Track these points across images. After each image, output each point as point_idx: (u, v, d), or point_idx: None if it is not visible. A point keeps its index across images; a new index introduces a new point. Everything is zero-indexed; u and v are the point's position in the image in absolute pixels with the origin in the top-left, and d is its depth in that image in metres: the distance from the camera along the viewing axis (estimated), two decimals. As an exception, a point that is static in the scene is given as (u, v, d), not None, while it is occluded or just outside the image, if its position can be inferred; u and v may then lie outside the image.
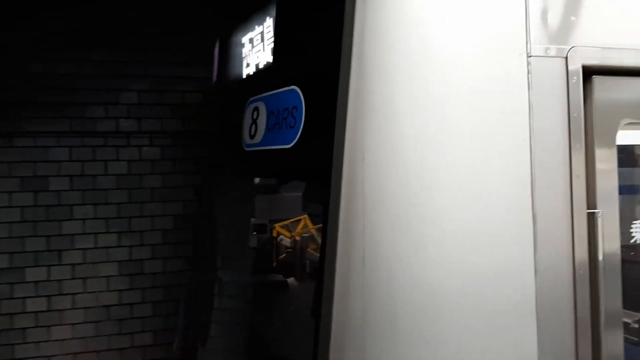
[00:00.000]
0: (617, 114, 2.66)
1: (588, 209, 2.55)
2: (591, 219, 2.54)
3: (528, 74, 2.48)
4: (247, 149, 3.38)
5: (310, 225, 5.64)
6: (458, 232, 2.43)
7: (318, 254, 4.71)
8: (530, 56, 2.48)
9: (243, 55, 4.01)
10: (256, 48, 3.75)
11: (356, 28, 2.43)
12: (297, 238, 4.90)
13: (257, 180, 4.62)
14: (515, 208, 2.45)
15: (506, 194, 2.46)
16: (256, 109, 3.29)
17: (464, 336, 2.40)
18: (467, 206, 2.44)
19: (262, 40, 3.61)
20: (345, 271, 2.40)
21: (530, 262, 2.45)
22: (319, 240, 4.83)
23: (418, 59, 2.44)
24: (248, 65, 3.92)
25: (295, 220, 5.79)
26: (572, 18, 2.58)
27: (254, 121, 3.29)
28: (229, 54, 4.25)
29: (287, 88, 2.94)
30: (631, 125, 2.69)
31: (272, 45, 3.33)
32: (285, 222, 5.71)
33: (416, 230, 2.41)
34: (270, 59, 3.43)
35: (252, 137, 3.30)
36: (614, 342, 2.56)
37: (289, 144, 2.84)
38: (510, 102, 2.47)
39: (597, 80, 2.61)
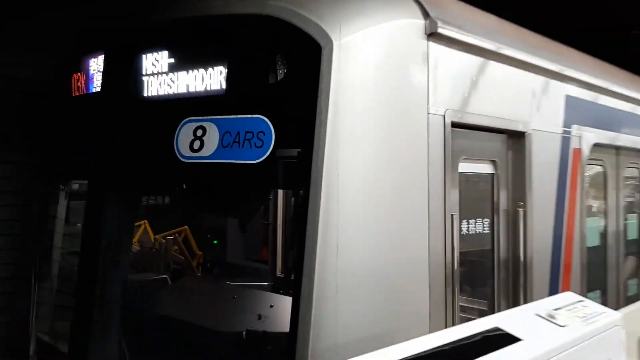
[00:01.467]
0: (459, 152, 4.19)
1: (451, 212, 4.01)
2: (452, 219, 4.00)
3: (428, 125, 3.82)
4: (186, 160, 3.94)
5: (149, 230, 6.07)
6: (392, 230, 3.61)
7: (181, 256, 5.31)
8: (429, 113, 3.83)
9: (147, 74, 4.46)
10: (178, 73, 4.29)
11: (333, 78, 3.43)
12: (162, 240, 5.35)
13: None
14: (420, 215, 3.75)
15: (416, 204, 3.74)
16: (200, 127, 3.91)
17: (396, 297, 3.60)
18: (396, 212, 3.64)
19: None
20: (324, 256, 3.35)
21: (426, 250, 3.77)
22: (179, 243, 5.40)
23: (372, 110, 3.56)
24: (161, 84, 4.40)
25: (136, 226, 6.14)
26: (449, 90, 4.03)
27: (198, 137, 3.90)
28: (123, 71, 4.59)
29: (250, 115, 3.70)
30: (466, 160, 4.26)
31: (214, 75, 4.00)
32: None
33: (370, 228, 3.51)
34: (205, 87, 4.04)
35: (195, 150, 3.90)
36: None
37: (256, 159, 3.62)
38: (419, 142, 3.77)
39: (452, 131, 4.09)
